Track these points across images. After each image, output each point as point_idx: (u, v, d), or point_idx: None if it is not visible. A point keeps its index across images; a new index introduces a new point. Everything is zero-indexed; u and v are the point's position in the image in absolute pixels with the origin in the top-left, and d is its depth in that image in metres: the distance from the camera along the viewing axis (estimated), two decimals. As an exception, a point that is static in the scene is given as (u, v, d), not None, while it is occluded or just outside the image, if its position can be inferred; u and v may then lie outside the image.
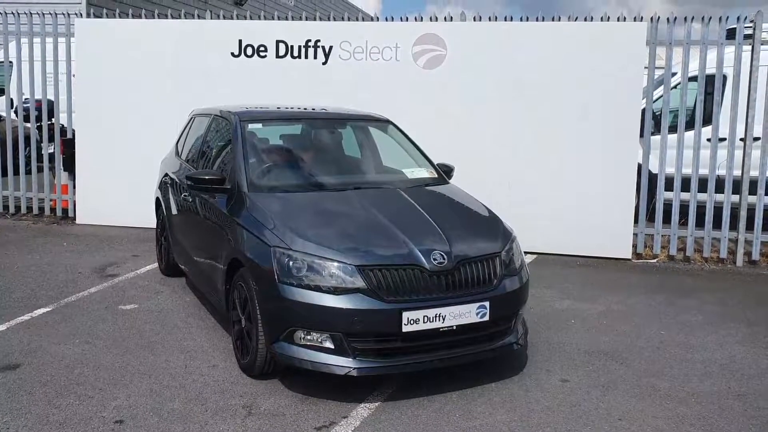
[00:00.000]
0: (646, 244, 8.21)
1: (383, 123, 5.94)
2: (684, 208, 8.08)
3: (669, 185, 7.99)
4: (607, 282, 7.05)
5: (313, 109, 6.03)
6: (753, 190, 7.87)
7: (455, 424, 3.98)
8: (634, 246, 8.10)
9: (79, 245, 8.16)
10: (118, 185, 8.96)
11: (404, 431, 3.90)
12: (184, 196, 5.82)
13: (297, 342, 4.15)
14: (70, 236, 8.62)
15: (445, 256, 4.23)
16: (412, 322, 4.06)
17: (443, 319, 4.13)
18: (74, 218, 9.37)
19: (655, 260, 8.08)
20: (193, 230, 5.75)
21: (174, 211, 6.33)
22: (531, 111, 7.98)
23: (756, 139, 7.81)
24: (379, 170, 5.68)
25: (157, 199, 6.95)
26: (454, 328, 4.17)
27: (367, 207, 4.73)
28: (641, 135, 7.94)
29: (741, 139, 7.86)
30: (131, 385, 4.42)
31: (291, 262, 4.16)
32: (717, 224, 7.93)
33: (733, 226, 7.99)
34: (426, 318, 4.09)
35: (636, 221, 8.09)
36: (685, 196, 8.04)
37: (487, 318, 4.26)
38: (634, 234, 8.07)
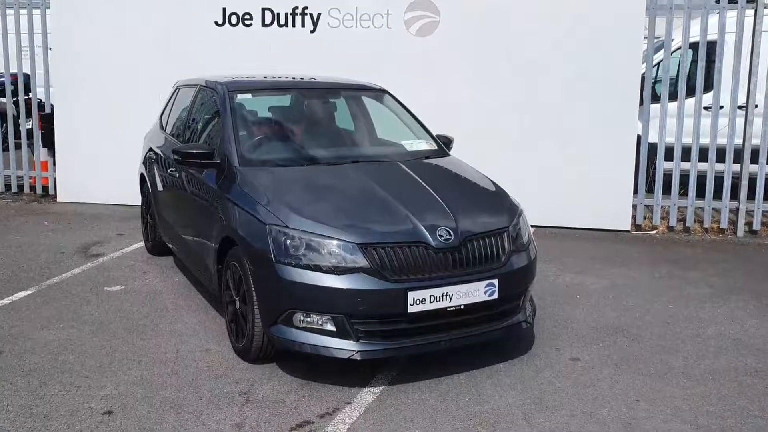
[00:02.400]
0: (645, 215, 8.04)
1: (379, 92, 5.67)
2: (683, 178, 7.90)
3: (668, 155, 7.80)
4: (607, 255, 6.87)
5: (303, 79, 5.74)
6: (754, 159, 7.70)
7: (465, 408, 3.78)
8: (633, 217, 7.93)
9: (61, 224, 7.85)
10: (101, 161, 8.63)
11: (412, 416, 3.70)
12: (171, 171, 5.54)
13: (296, 325, 3.92)
14: (52, 215, 8.30)
15: (451, 232, 4.00)
16: (417, 302, 3.84)
17: (450, 299, 3.91)
18: (55, 196, 9.05)
19: (654, 232, 7.91)
20: (180, 207, 5.48)
21: (160, 188, 6.05)
22: (527, 79, 7.72)
23: (757, 106, 7.63)
24: (376, 142, 5.42)
25: (142, 175, 6.65)
26: (462, 307, 3.96)
27: (366, 181, 4.48)
28: (641, 103, 7.72)
29: (740, 107, 7.66)
30: (120, 372, 4.18)
31: (288, 241, 3.91)
32: (717, 194, 7.77)
33: (734, 195, 7.83)
34: (432, 297, 3.87)
35: (635, 192, 7.91)
36: (684, 166, 7.87)
37: (495, 296, 4.05)
38: (633, 205, 7.89)
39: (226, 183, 4.59)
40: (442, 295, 3.89)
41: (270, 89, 5.54)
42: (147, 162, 6.38)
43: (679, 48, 7.82)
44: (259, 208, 4.15)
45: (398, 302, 3.82)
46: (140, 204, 6.86)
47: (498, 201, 4.55)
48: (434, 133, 5.45)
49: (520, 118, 7.75)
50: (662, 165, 7.85)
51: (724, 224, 7.82)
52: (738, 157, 7.68)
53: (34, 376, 4.12)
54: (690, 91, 7.86)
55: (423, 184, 4.49)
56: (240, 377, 4.12)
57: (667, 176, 7.85)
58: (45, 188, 9.22)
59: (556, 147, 7.73)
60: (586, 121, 7.66)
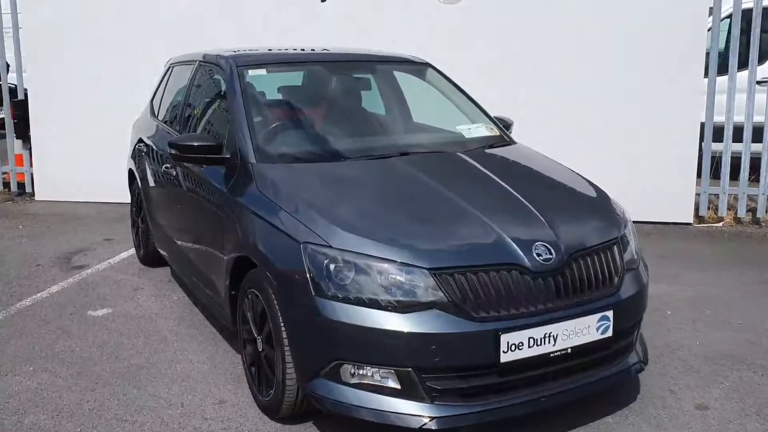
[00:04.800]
0: (709, 205, 7.04)
1: (421, 66, 4.59)
2: (752, 162, 6.90)
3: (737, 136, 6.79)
4: (677, 254, 5.86)
5: (326, 51, 4.65)
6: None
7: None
8: (696, 208, 6.93)
9: (38, 228, 6.77)
10: (84, 153, 7.55)
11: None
12: (166, 167, 4.46)
13: (345, 380, 2.88)
14: (28, 216, 7.22)
15: (552, 249, 2.96)
16: (513, 347, 2.80)
17: (555, 340, 2.88)
18: (33, 194, 7.97)
19: (720, 224, 6.91)
20: (178, 211, 4.41)
21: (152, 186, 4.98)
22: (575, 53, 6.66)
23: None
24: (424, 128, 4.33)
25: (131, 170, 5.58)
26: (569, 351, 2.93)
27: (425, 181, 3.41)
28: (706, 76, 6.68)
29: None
30: (107, 441, 3.14)
31: (332, 266, 2.86)
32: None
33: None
34: (532, 341, 2.83)
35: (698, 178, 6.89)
36: (755, 148, 6.86)
37: (609, 333, 3.02)
38: (696, 194, 6.88)
39: (239, 184, 3.52)
40: (545, 337, 2.85)
41: (289, 63, 4.41)
42: (136, 155, 5.30)
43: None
44: (288, 219, 3.09)
45: (487, 349, 2.78)
46: (130, 204, 5.80)
47: (600, 204, 3.50)
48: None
49: (566, 95, 6.68)
50: (729, 147, 6.84)
51: (801, 214, 6.84)
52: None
53: (-8, 450, 3.09)
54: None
55: (500, 182, 3.43)
56: (269, 446, 3.10)
57: (734, 160, 6.86)
58: (21, 185, 8.13)
59: (606, 127, 6.68)
60: (644, 99, 6.61)
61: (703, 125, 6.76)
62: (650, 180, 6.68)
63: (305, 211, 3.09)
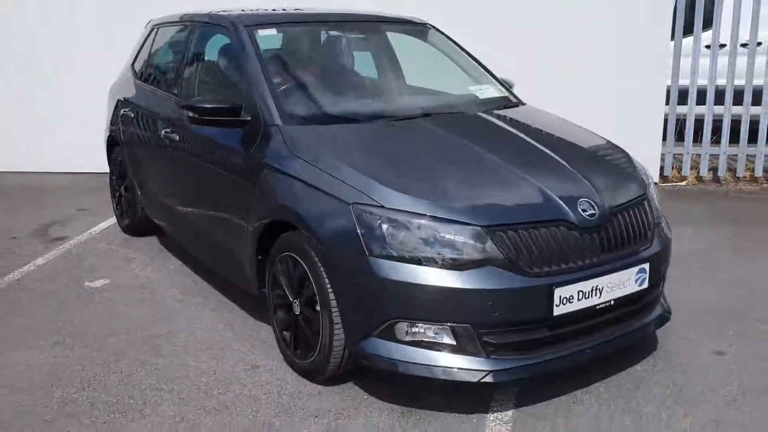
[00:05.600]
0: (673, 165, 7.32)
1: (421, 27, 4.57)
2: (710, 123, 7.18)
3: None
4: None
5: (332, 12, 4.56)
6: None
7: (631, 435, 2.89)
8: (661, 168, 7.20)
9: (5, 200, 6.47)
10: (46, 121, 7.27)
11: (567, 453, 2.79)
12: (165, 132, 4.31)
13: (400, 338, 2.90)
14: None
15: (595, 205, 3.04)
16: (564, 301, 2.88)
17: (600, 293, 2.97)
18: (-15, 165, 7.59)
19: (683, 183, 7.20)
20: (183, 178, 4.29)
21: (144, 153, 4.82)
22: (542, 12, 6.74)
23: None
24: (439, 90, 4.30)
25: (111, 137, 5.37)
26: (612, 303, 3.03)
27: (457, 140, 3.42)
28: (672, 38, 6.88)
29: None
30: (150, 412, 3.06)
31: (386, 226, 2.86)
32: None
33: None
34: (581, 294, 2.92)
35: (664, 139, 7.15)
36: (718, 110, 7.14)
37: (645, 284, 3.13)
38: (661, 154, 7.14)
39: (264, 147, 3.45)
40: (592, 290, 2.94)
41: (298, 23, 4.27)
42: (122, 121, 5.09)
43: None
44: (331, 181, 3.06)
45: (541, 303, 2.85)
46: (109, 174, 5.59)
47: (625, 161, 3.60)
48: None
49: (531, 52, 6.74)
50: (693, 109, 7.09)
51: (758, 172, 7.18)
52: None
53: (29, 420, 2.97)
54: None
55: (530, 140, 3.48)
56: (317, 407, 3.08)
57: (697, 123, 7.13)
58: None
59: (573, 87, 6.79)
60: (608, 60, 6.75)
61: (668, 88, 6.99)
62: (617, 141, 6.84)
63: (349, 173, 3.05)
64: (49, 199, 6.49)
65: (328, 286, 3.01)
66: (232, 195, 3.68)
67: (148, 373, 3.40)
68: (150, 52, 5.08)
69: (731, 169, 7.30)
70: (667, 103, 7.02)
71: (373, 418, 3.00)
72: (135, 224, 5.28)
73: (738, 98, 6.93)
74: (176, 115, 4.23)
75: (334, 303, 3.01)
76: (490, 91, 4.15)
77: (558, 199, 2.99)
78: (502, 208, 2.95)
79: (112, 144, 5.41)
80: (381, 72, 4.36)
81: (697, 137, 7.16)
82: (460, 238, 2.82)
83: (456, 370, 2.86)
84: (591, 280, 2.93)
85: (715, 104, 6.99)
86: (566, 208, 2.96)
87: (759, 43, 6.93)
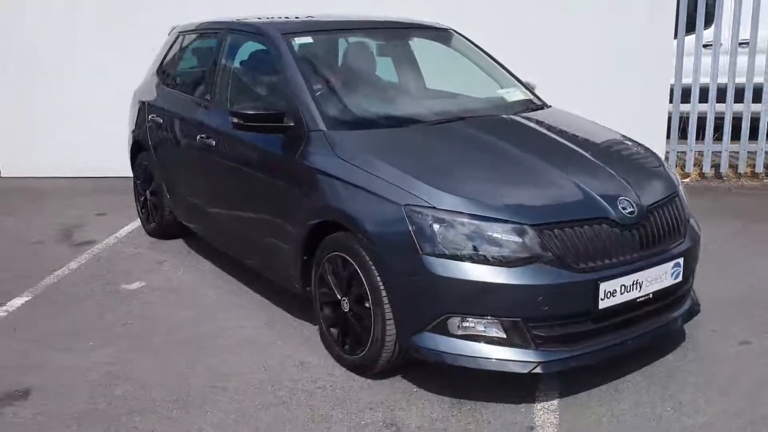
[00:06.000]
0: (677, 162, 7.51)
1: (444, 33, 4.71)
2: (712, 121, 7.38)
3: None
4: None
5: (361, 19, 4.69)
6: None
7: (676, 421, 3.03)
8: (665, 165, 7.39)
9: (16, 205, 6.53)
10: (57, 124, 7.30)
11: (614, 439, 2.94)
12: (201, 137, 4.43)
13: (452, 332, 3.05)
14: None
15: (633, 203, 3.20)
16: (608, 295, 3.04)
17: (640, 287, 3.14)
18: (-2, 171, 7.66)
19: (687, 179, 7.40)
20: (221, 182, 4.39)
21: (176, 158, 4.93)
22: (546, 10, 6.88)
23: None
24: (467, 94, 4.44)
25: (136, 141, 5.47)
26: (650, 296, 3.20)
27: (498, 142, 3.57)
28: (675, 36, 7.07)
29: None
30: (210, 408, 3.19)
31: (437, 226, 3.00)
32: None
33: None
34: (623, 288, 3.08)
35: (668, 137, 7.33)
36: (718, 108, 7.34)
37: (680, 278, 3.31)
38: (666, 152, 7.33)
39: (309, 151, 3.58)
40: (633, 284, 3.11)
41: (331, 31, 4.42)
42: (149, 127, 5.19)
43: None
44: (381, 183, 3.20)
45: (587, 297, 3.01)
46: (133, 177, 5.69)
47: (654, 161, 3.76)
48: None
49: (536, 52, 6.84)
50: (696, 107, 7.29)
51: (759, 168, 7.38)
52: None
53: (89, 421, 3.09)
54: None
55: (564, 141, 3.65)
56: (371, 399, 3.22)
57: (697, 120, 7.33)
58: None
59: (574, 87, 6.93)
60: (614, 55, 6.93)
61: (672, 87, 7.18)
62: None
63: (397, 175, 3.20)
64: (64, 202, 6.54)
65: (380, 283, 3.15)
66: (275, 198, 3.81)
67: (200, 372, 3.52)
68: (177, 58, 5.19)
69: (733, 166, 7.50)
70: (670, 102, 7.22)
71: (426, 409, 3.14)
72: (162, 227, 5.38)
73: (739, 96, 7.15)
74: (212, 120, 4.34)
75: (386, 300, 3.15)
76: (516, 94, 4.31)
77: (599, 198, 3.15)
78: (548, 207, 3.11)
79: (137, 149, 5.50)
80: (413, 77, 4.49)
81: (699, 135, 7.37)
82: (509, 236, 2.97)
83: (506, 361, 3.01)
84: (632, 275, 3.10)
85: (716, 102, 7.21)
86: (608, 206, 3.13)
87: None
